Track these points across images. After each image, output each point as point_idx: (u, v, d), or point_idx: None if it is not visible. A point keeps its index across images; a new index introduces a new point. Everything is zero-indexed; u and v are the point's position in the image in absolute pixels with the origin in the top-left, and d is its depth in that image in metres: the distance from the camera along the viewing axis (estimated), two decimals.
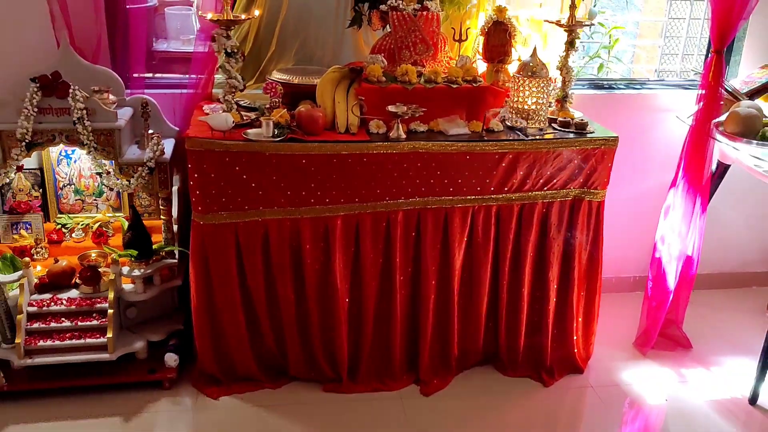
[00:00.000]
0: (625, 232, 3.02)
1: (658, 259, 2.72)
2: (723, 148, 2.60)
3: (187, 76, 2.58)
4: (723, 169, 2.75)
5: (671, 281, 2.66)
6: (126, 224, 2.47)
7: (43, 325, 2.25)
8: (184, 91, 2.52)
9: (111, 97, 2.33)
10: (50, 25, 2.38)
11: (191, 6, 2.76)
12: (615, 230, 2.79)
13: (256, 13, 2.32)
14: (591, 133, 2.36)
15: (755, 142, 2.42)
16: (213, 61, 2.43)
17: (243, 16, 2.24)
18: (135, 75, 2.55)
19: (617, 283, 3.13)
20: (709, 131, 2.53)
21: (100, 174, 2.43)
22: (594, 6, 3.08)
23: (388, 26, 2.49)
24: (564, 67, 2.46)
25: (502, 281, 2.44)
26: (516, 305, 2.47)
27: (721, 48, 2.44)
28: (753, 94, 2.68)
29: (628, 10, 3.33)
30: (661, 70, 3.40)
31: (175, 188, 2.47)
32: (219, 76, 2.47)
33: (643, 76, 3.29)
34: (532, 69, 2.31)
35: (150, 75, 2.65)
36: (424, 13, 2.41)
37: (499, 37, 2.51)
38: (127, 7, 2.54)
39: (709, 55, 2.50)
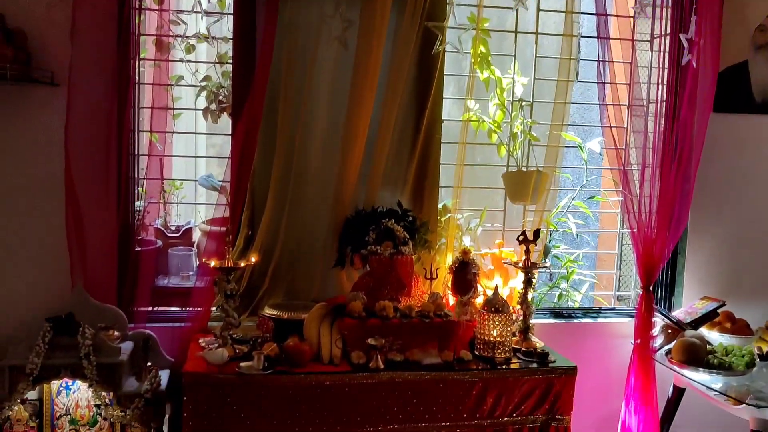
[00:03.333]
0: None
1: None
2: (676, 373, 2.84)
3: (185, 309, 2.85)
4: (679, 392, 2.97)
5: None
6: None
7: None
8: (182, 324, 2.77)
9: (115, 333, 2.56)
10: (64, 267, 2.68)
11: (192, 247, 3.10)
12: None
13: (253, 260, 2.65)
14: (552, 362, 2.60)
15: (701, 369, 2.68)
16: (211, 296, 2.71)
17: (242, 264, 2.56)
18: (138, 309, 2.82)
19: None
20: (649, 354, 2.85)
21: (98, 405, 2.58)
22: (549, 242, 3.49)
23: (367, 266, 2.81)
24: (524, 303, 2.76)
25: None
26: None
27: (648, 285, 2.83)
28: (696, 324, 2.98)
29: (580, 244, 3.74)
30: (620, 294, 3.73)
31: (166, 417, 2.61)
32: (215, 309, 2.73)
33: (602, 303, 3.60)
34: (495, 305, 2.61)
35: (150, 309, 2.89)
36: (399, 256, 2.76)
37: (465, 274, 2.84)
38: (137, 249, 2.88)
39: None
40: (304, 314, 2.61)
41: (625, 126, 3.27)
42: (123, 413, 2.45)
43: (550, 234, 3.45)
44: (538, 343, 2.76)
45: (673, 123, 3.08)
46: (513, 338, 2.70)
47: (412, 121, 3.07)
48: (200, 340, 2.63)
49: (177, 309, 2.93)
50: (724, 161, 3.27)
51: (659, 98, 3.15)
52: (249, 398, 2.33)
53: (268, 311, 2.69)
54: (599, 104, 3.25)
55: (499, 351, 2.59)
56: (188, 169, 3.73)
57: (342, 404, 2.40)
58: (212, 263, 2.49)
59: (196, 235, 3.13)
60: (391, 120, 2.96)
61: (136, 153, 2.94)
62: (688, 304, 3.20)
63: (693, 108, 3.02)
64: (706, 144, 3.09)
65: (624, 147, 3.25)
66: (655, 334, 3.01)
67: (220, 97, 3.10)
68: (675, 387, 2.98)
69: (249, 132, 2.77)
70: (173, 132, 3.17)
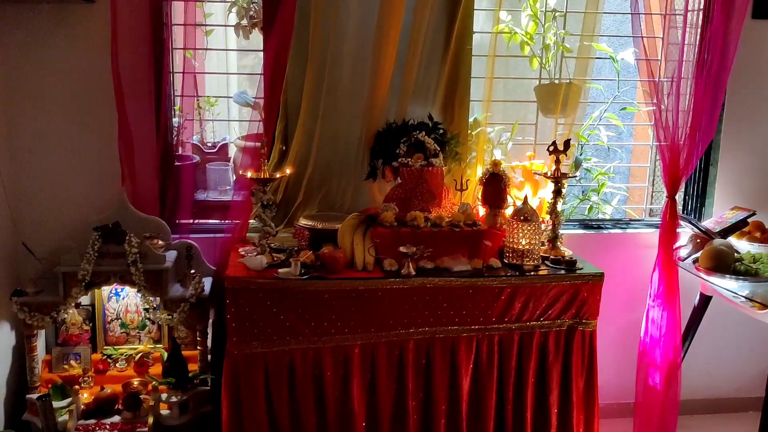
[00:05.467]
0: (616, 360, 3.24)
1: (642, 382, 2.96)
2: (702, 281, 2.89)
3: (223, 221, 2.97)
4: (705, 300, 3.03)
5: (656, 405, 2.88)
6: (165, 354, 2.75)
7: None
8: (222, 235, 2.89)
9: (160, 242, 2.69)
10: (110, 180, 2.80)
11: (228, 162, 3.19)
12: (608, 358, 3.03)
13: (288, 171, 2.73)
14: (580, 269, 2.67)
15: (728, 276, 2.72)
16: (248, 209, 2.81)
17: (277, 175, 2.65)
18: (180, 221, 2.94)
19: (618, 408, 3.31)
20: (672, 259, 2.96)
21: (147, 309, 2.75)
22: (581, 154, 3.49)
23: (398, 178, 2.87)
24: (553, 212, 2.80)
25: (506, 406, 2.65)
26: (520, 430, 2.66)
27: (673, 195, 2.87)
28: (725, 233, 3.01)
29: (611, 158, 3.73)
30: (652, 209, 3.74)
31: (210, 321, 2.76)
32: (253, 222, 2.84)
33: (633, 216, 3.63)
34: (525, 215, 2.66)
35: (192, 221, 3.01)
36: (430, 168, 2.81)
37: (495, 186, 2.88)
38: (177, 164, 2.98)
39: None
40: (338, 224, 2.70)
41: (658, 36, 3.19)
42: (170, 316, 2.61)
43: (581, 147, 3.45)
44: (567, 251, 2.81)
45: (706, 31, 3.00)
46: (542, 247, 2.77)
47: (443, 33, 3.05)
48: (240, 250, 2.75)
49: (217, 222, 3.05)
50: (761, 70, 3.20)
51: (696, 6, 3.07)
52: (287, 302, 2.45)
53: (303, 222, 2.79)
54: (631, 13, 3.17)
55: (527, 259, 2.66)
56: (220, 88, 3.78)
57: (375, 308, 2.51)
58: (249, 174, 2.57)
59: (232, 151, 3.22)
60: (421, 32, 2.95)
61: (171, 71, 2.99)
62: (719, 214, 3.21)
63: (728, 14, 2.93)
64: (743, 52, 3.02)
65: (656, 59, 3.19)
66: (683, 243, 3.05)
67: (251, 13, 3.11)
68: (702, 295, 3.03)
69: (280, 46, 2.78)
70: (206, 49, 3.21)
